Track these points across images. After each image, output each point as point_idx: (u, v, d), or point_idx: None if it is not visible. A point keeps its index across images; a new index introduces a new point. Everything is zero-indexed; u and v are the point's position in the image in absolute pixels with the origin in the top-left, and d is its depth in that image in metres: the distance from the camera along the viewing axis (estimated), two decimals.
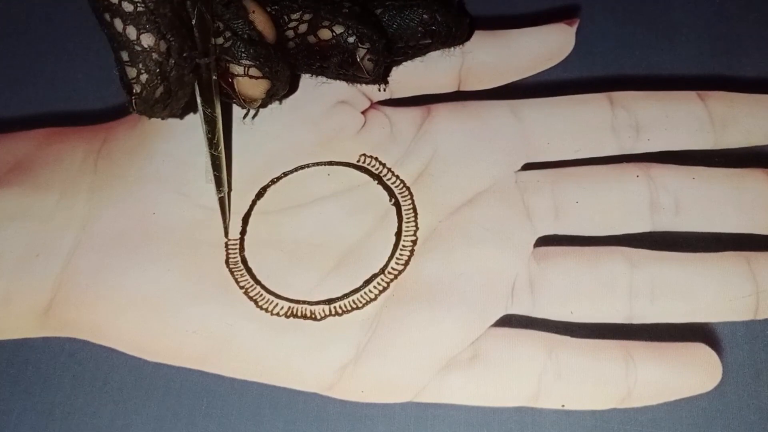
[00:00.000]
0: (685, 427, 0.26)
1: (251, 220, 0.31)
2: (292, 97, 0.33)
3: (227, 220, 0.30)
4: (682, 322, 0.27)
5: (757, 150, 0.31)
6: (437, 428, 0.26)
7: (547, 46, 0.34)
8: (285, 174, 0.32)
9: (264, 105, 0.32)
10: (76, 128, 0.34)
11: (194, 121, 0.33)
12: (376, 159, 0.32)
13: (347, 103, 0.33)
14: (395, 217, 0.30)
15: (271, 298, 0.29)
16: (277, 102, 0.33)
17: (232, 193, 0.31)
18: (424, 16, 0.31)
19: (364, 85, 0.33)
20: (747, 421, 0.26)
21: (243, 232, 0.30)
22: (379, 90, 0.33)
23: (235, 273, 0.30)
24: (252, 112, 0.33)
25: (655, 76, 0.33)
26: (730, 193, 0.30)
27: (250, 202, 0.31)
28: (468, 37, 0.34)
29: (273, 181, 0.32)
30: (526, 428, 0.26)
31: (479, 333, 0.28)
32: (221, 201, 0.30)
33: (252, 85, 0.30)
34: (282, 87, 0.31)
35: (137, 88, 0.28)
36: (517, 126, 0.32)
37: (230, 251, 0.30)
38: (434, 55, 0.34)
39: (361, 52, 0.30)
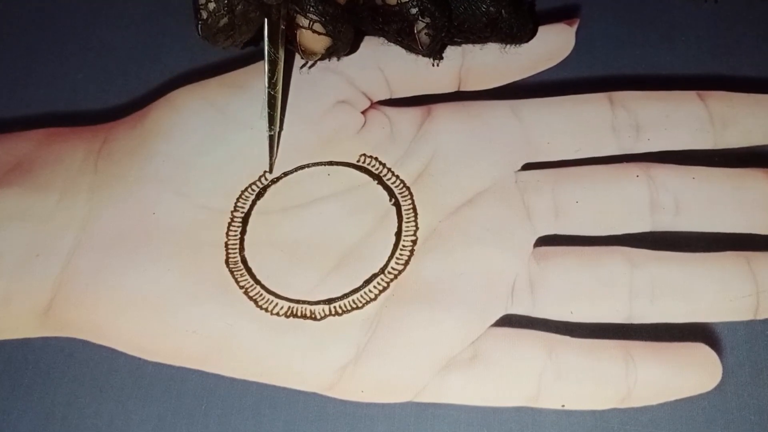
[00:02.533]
0: (685, 427, 0.26)
1: (251, 220, 0.31)
2: (292, 97, 0.33)
3: (274, 157, 0.32)
4: (682, 322, 0.27)
5: (757, 150, 0.31)
6: (437, 428, 0.26)
7: (547, 46, 0.34)
8: (285, 174, 0.32)
9: (322, 59, 0.33)
10: (76, 128, 0.34)
11: (193, 122, 0.33)
12: (376, 159, 0.32)
13: (347, 103, 0.33)
14: (395, 217, 0.30)
15: (271, 298, 0.29)
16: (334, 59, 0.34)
17: (233, 195, 0.31)
18: (491, 8, 0.31)
19: (418, 56, 0.33)
20: (747, 421, 0.26)
21: (243, 232, 0.30)
22: (432, 65, 0.33)
23: (235, 273, 0.30)
24: (309, 63, 0.34)
25: (655, 76, 0.33)
26: (730, 193, 0.30)
27: (250, 202, 0.31)
28: (528, 40, 0.34)
29: (273, 181, 0.32)
30: (526, 428, 0.26)
31: (479, 333, 0.28)
32: (271, 139, 0.31)
33: (313, 40, 0.31)
34: (343, 47, 0.32)
35: (203, 14, 0.30)
36: (518, 126, 0.32)
37: (230, 251, 0.30)
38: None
39: (420, 25, 0.31)
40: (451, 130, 0.32)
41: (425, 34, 0.31)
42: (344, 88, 0.33)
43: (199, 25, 0.31)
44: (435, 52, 0.32)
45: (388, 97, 0.33)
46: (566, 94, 0.33)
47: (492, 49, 0.34)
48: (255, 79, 0.34)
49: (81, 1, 0.38)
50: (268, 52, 0.30)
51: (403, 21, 0.31)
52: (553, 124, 0.32)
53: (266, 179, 0.32)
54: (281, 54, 0.31)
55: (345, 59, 0.34)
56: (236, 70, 0.34)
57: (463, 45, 0.34)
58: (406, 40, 0.32)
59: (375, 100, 0.33)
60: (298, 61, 0.34)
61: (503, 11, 0.31)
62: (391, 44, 0.34)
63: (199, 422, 0.27)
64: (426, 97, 0.33)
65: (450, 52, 0.34)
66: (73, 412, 0.27)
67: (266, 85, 0.31)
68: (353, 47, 0.33)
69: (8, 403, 0.28)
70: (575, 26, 0.34)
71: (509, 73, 0.33)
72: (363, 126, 0.33)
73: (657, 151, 0.31)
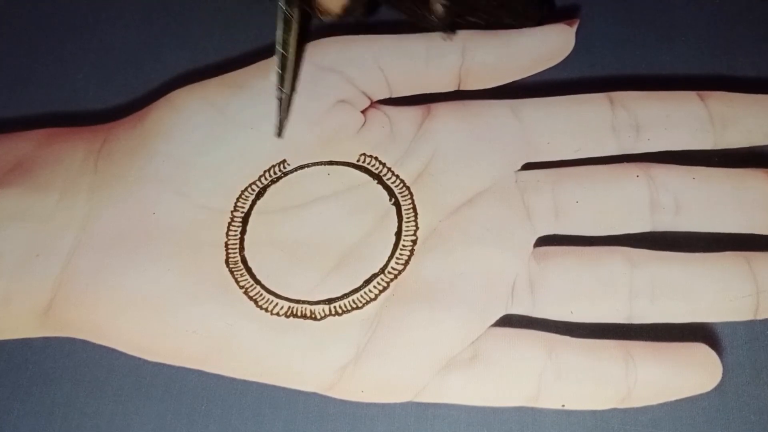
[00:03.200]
0: (685, 427, 0.26)
1: (251, 220, 0.31)
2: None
3: (285, 120, 0.31)
4: (682, 322, 0.27)
5: (757, 150, 0.31)
6: (437, 428, 0.26)
7: (547, 46, 0.34)
8: (285, 174, 0.32)
9: (339, 20, 0.33)
10: (76, 128, 0.34)
11: (193, 122, 0.33)
12: (376, 159, 0.32)
13: (347, 102, 0.33)
14: (395, 216, 0.30)
15: (271, 297, 0.29)
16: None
17: (233, 195, 0.31)
18: None
19: (431, 29, 0.33)
20: (747, 421, 0.26)
21: (243, 232, 0.30)
22: (444, 39, 0.33)
23: (235, 273, 0.30)
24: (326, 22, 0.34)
25: (655, 76, 0.33)
26: (730, 193, 0.30)
27: (250, 202, 0.31)
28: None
29: (273, 181, 0.32)
30: (526, 428, 0.26)
31: (479, 333, 0.28)
32: (280, 101, 0.31)
33: None
34: (359, 6, 0.32)
35: None
36: (517, 126, 0.32)
37: (230, 251, 0.30)
38: (435, 54, 0.34)
39: None
40: (451, 130, 0.32)
41: (440, 3, 0.31)
42: (344, 88, 0.33)
43: None
44: (447, 25, 0.32)
45: (388, 96, 0.33)
46: (566, 94, 0.33)
47: (492, 49, 0.34)
48: (255, 79, 0.34)
49: (81, 1, 0.38)
50: (283, 10, 0.30)
51: None
52: (553, 124, 0.32)
53: (266, 179, 0.32)
54: (295, 13, 0.31)
55: (345, 59, 0.34)
56: (236, 70, 0.34)
57: (464, 43, 0.34)
58: (421, 11, 0.32)
59: (375, 99, 0.33)
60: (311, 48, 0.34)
61: None
62: (391, 45, 0.34)
63: (199, 422, 0.27)
64: (426, 97, 0.33)
65: (450, 51, 0.34)
66: (73, 412, 0.27)
67: (277, 44, 0.31)
68: (370, 8, 0.33)
69: (8, 403, 0.28)
70: (575, 26, 0.34)
71: (509, 73, 0.33)
72: (363, 125, 0.33)
73: (657, 151, 0.31)
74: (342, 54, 0.34)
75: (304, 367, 0.27)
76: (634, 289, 0.28)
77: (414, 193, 0.31)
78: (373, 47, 0.34)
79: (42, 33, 0.37)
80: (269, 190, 0.31)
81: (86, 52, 0.36)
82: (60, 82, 0.35)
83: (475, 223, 0.30)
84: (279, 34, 0.30)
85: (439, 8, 0.31)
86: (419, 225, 0.30)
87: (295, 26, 0.31)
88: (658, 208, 0.29)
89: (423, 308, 0.28)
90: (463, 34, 0.33)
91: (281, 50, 0.30)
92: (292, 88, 0.32)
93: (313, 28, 0.33)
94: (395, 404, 0.27)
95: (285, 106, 0.32)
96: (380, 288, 0.29)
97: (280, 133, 0.31)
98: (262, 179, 0.32)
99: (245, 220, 0.31)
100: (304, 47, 0.33)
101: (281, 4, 0.30)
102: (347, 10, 0.32)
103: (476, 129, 0.32)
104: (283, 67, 0.31)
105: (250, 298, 0.29)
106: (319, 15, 0.33)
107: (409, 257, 0.29)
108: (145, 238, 0.30)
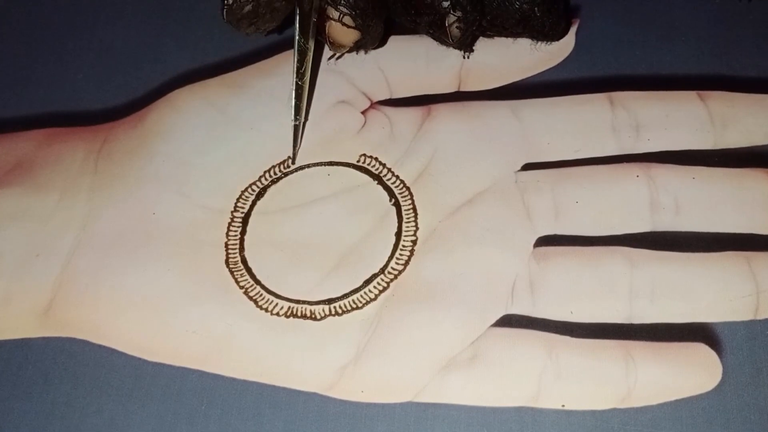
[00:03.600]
0: (685, 427, 0.26)
1: (251, 220, 0.31)
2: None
3: (297, 148, 0.32)
4: (682, 322, 0.27)
5: (757, 150, 0.31)
6: (437, 428, 0.26)
7: (547, 46, 0.34)
8: (285, 174, 0.32)
9: (350, 51, 0.33)
10: (76, 128, 0.34)
11: (193, 122, 0.33)
12: (376, 159, 0.32)
13: (347, 103, 0.33)
14: (395, 217, 0.30)
15: (271, 298, 0.29)
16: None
17: (233, 196, 0.31)
18: (524, 5, 0.32)
19: (448, 48, 0.34)
20: (747, 421, 0.26)
21: (243, 232, 0.30)
22: (464, 57, 0.34)
23: (235, 273, 0.29)
24: (337, 54, 0.34)
25: (655, 76, 0.33)
26: (730, 193, 0.30)
27: (250, 202, 0.31)
28: (560, 38, 0.34)
29: (273, 181, 0.32)
30: (526, 428, 0.26)
31: (479, 333, 0.28)
32: (295, 129, 0.32)
33: (343, 33, 0.31)
34: (371, 42, 0.32)
35: (229, 0, 0.31)
36: (518, 126, 0.32)
37: (230, 251, 0.30)
38: (435, 55, 0.34)
39: (451, 18, 0.31)
40: (451, 130, 0.32)
41: (456, 27, 0.31)
42: (344, 88, 0.33)
43: (224, 10, 0.32)
44: (466, 45, 0.33)
45: (388, 97, 0.33)
46: (566, 94, 0.33)
47: (492, 49, 0.34)
48: (255, 79, 0.34)
49: (81, 1, 0.38)
50: (298, 41, 0.31)
51: (435, 13, 0.31)
52: (553, 124, 0.32)
53: (266, 179, 0.32)
54: (311, 44, 0.31)
55: (344, 59, 0.34)
56: (236, 70, 0.34)
57: (494, 38, 0.34)
58: (437, 33, 0.32)
59: (375, 100, 0.33)
60: (326, 53, 0.34)
61: (536, 8, 0.32)
62: (392, 46, 0.34)
63: (199, 422, 0.27)
64: (426, 97, 0.33)
65: (450, 53, 0.34)
66: (73, 412, 0.27)
67: (294, 75, 0.31)
68: (381, 42, 0.34)
69: (8, 403, 0.28)
70: (575, 26, 0.34)
71: (509, 73, 0.33)
72: (363, 126, 0.33)
73: (657, 151, 0.31)
74: (343, 57, 0.34)
75: (304, 367, 0.27)
76: (634, 289, 0.28)
77: (414, 194, 0.31)
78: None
79: (42, 33, 0.37)
80: (269, 191, 0.31)
81: (86, 52, 0.36)
82: (60, 82, 0.35)
83: (475, 224, 0.30)
84: (294, 64, 0.31)
85: (455, 31, 0.32)
86: (419, 225, 0.30)
87: (310, 56, 0.31)
88: (658, 208, 0.29)
89: (423, 308, 0.28)
90: None
91: (297, 81, 0.31)
92: (306, 117, 0.32)
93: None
94: (395, 404, 0.27)
95: (300, 134, 0.32)
96: (380, 288, 0.29)
97: (293, 160, 0.32)
98: (263, 179, 0.32)
99: (245, 221, 0.31)
100: (317, 76, 0.34)
101: (296, 36, 0.31)
102: (359, 45, 0.33)
103: (476, 129, 0.32)
104: (299, 96, 0.31)
105: (250, 298, 0.29)
106: (330, 47, 0.33)
107: (409, 257, 0.29)
108: (145, 238, 0.30)
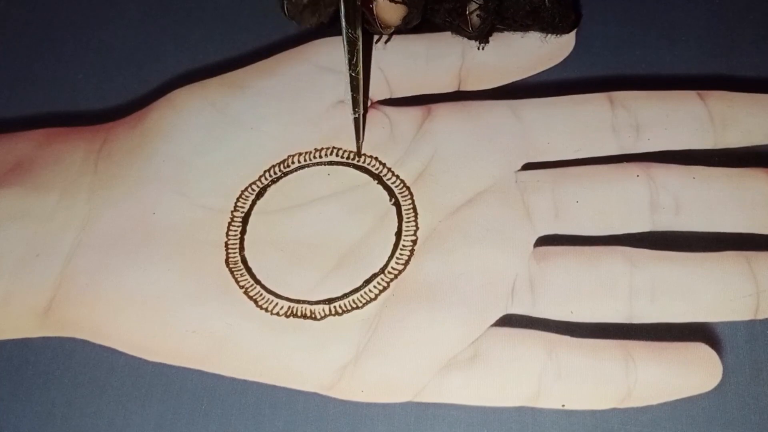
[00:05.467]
0: (685, 427, 0.26)
1: (251, 220, 0.31)
2: (292, 97, 0.33)
3: (361, 140, 0.32)
4: (682, 322, 0.27)
5: (757, 150, 0.31)
6: (437, 428, 0.26)
7: (547, 46, 0.34)
8: (285, 174, 0.32)
9: (397, 31, 0.33)
10: (76, 128, 0.34)
11: (193, 122, 0.33)
12: (376, 159, 0.32)
13: (347, 103, 0.33)
14: (395, 217, 0.30)
15: (271, 297, 0.29)
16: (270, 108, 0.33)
17: (233, 195, 0.31)
18: None
19: (451, 46, 0.34)
20: (747, 421, 0.26)
21: (243, 232, 0.30)
22: (478, 48, 0.34)
23: (235, 273, 0.30)
24: (385, 37, 0.34)
25: (655, 76, 0.33)
26: (730, 192, 0.30)
27: (250, 202, 0.31)
28: (569, 31, 0.34)
29: (273, 181, 0.32)
30: (526, 428, 0.26)
31: (479, 333, 0.28)
32: (356, 121, 0.32)
33: (390, 10, 0.31)
34: (417, 16, 0.32)
35: None
36: (518, 126, 0.32)
37: (230, 251, 0.30)
38: (435, 55, 0.34)
39: (473, 6, 0.31)
40: (451, 130, 0.32)
41: (477, 15, 0.31)
42: (344, 88, 0.33)
43: (285, 5, 0.32)
44: (483, 35, 0.33)
45: (388, 96, 0.33)
46: (566, 94, 0.33)
47: (492, 49, 0.34)
48: (255, 79, 0.34)
49: (81, 1, 0.38)
50: (346, 32, 0.31)
51: (456, 1, 0.32)
52: (553, 124, 0.32)
53: (266, 179, 0.32)
54: (359, 33, 0.31)
55: (343, 60, 0.34)
56: (236, 70, 0.34)
57: (464, 44, 0.34)
58: (456, 21, 0.32)
59: (375, 99, 0.33)
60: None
61: (546, 1, 0.32)
62: (391, 44, 0.34)
63: (199, 422, 0.27)
64: (426, 97, 0.33)
65: (450, 52, 0.34)
66: (73, 412, 0.27)
67: (347, 67, 0.31)
68: (423, 18, 0.34)
69: (8, 403, 0.28)
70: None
71: (509, 73, 0.33)
72: None
73: (657, 151, 0.31)
74: (341, 54, 0.34)
75: (304, 367, 0.27)
76: (634, 289, 0.28)
77: (414, 193, 0.31)
78: (373, 48, 0.34)
79: (42, 33, 0.37)
80: (269, 190, 0.31)
81: (86, 52, 0.36)
82: (60, 82, 0.35)
83: (475, 224, 0.30)
84: (346, 56, 0.31)
85: (475, 19, 0.31)
86: (419, 225, 0.30)
87: (359, 47, 0.31)
88: (658, 208, 0.29)
89: (423, 308, 0.28)
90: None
91: (351, 72, 0.31)
92: (365, 109, 0.32)
93: (314, 28, 0.33)
94: (395, 404, 0.27)
95: (361, 126, 0.32)
96: (380, 288, 0.29)
97: (359, 152, 0.32)
98: (262, 179, 0.32)
99: (245, 220, 0.31)
100: (369, 66, 0.34)
101: (344, 27, 0.31)
102: (406, 21, 0.32)
103: (476, 129, 0.32)
104: (355, 88, 0.31)
105: (250, 298, 0.29)
106: (380, 29, 0.33)
107: (409, 257, 0.29)
108: (145, 238, 0.30)
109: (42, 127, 0.34)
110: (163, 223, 0.31)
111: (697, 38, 0.34)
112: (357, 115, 0.31)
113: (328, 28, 0.34)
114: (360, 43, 0.31)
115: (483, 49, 0.34)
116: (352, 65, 0.31)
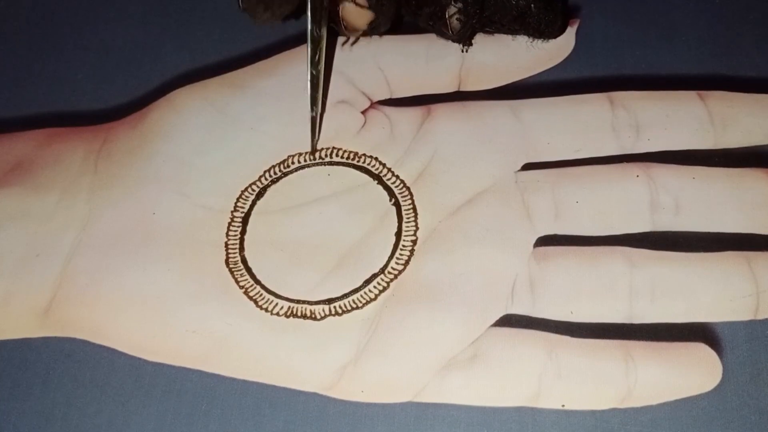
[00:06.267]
0: (685, 427, 0.26)
1: (251, 220, 0.31)
2: (292, 97, 0.33)
3: (315, 140, 0.32)
4: (682, 322, 0.27)
5: (757, 150, 0.31)
6: (437, 428, 0.26)
7: (547, 46, 0.34)
8: (285, 174, 0.32)
9: (364, 35, 0.33)
10: (76, 128, 0.34)
11: (193, 122, 0.33)
12: (376, 159, 0.32)
13: (347, 103, 0.33)
14: (395, 217, 0.30)
15: (271, 297, 0.29)
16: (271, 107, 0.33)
17: (233, 195, 0.31)
18: (521, 2, 0.32)
19: (448, 47, 0.34)
20: (747, 421, 0.26)
21: (243, 232, 0.30)
22: (462, 51, 0.34)
23: (235, 273, 0.30)
24: (352, 39, 0.34)
25: (655, 76, 0.33)
26: (730, 193, 0.30)
27: (250, 202, 0.31)
28: (556, 36, 0.34)
29: (273, 181, 0.32)
30: (526, 428, 0.26)
31: (479, 333, 0.28)
32: (312, 120, 0.31)
33: (357, 14, 0.32)
34: (384, 23, 0.32)
35: None
36: (518, 126, 0.32)
37: (230, 251, 0.30)
38: (435, 55, 0.34)
39: (452, 10, 0.31)
40: (451, 130, 0.32)
41: (456, 19, 0.32)
42: (344, 88, 0.33)
43: None
44: (464, 38, 0.33)
45: (388, 97, 0.33)
46: (566, 94, 0.33)
47: (492, 49, 0.34)
48: (255, 79, 0.34)
49: (81, 1, 0.38)
50: (311, 30, 0.31)
51: (436, 5, 0.32)
52: (553, 124, 0.32)
53: (266, 179, 0.32)
54: (323, 32, 0.31)
55: (345, 59, 0.34)
56: (236, 70, 0.34)
57: (493, 35, 0.34)
58: (438, 24, 0.32)
59: (375, 100, 0.33)
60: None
61: (532, 5, 0.32)
62: (391, 46, 0.34)
63: (199, 422, 0.27)
64: (426, 97, 0.33)
65: (450, 52, 0.34)
66: (73, 412, 0.27)
67: (308, 64, 0.31)
68: (394, 25, 0.34)
69: (8, 403, 0.28)
70: (575, 26, 0.34)
71: (509, 73, 0.33)
72: (363, 126, 0.33)
73: (657, 151, 0.31)
74: (342, 54, 0.34)
75: (304, 367, 0.27)
76: (634, 289, 0.28)
77: (414, 194, 0.31)
78: (373, 48, 0.34)
79: (42, 32, 0.37)
80: (269, 191, 0.31)
81: (86, 52, 0.36)
82: (60, 82, 0.35)
83: (475, 224, 0.30)
84: (308, 53, 0.31)
85: (455, 23, 0.32)
86: (419, 225, 0.30)
87: (323, 45, 0.31)
88: (658, 208, 0.29)
89: (423, 308, 0.28)
90: None
91: (312, 70, 0.31)
92: (323, 107, 0.32)
93: (269, 25, 0.34)
94: (395, 404, 0.27)
95: (317, 125, 0.32)
96: (380, 288, 0.29)
97: (313, 151, 0.32)
98: (262, 179, 0.32)
99: (245, 220, 0.31)
100: (332, 66, 0.34)
101: (309, 24, 0.31)
102: (373, 26, 0.32)
103: (476, 129, 0.32)
104: (314, 86, 0.31)
105: (250, 298, 0.29)
106: (345, 32, 0.33)
107: (409, 257, 0.29)
108: (145, 238, 0.30)
109: (42, 127, 0.34)
110: (163, 223, 0.31)
111: (697, 38, 0.34)
112: (314, 114, 0.31)
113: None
114: (324, 42, 0.31)
115: (467, 51, 0.34)
116: (314, 63, 0.31)
